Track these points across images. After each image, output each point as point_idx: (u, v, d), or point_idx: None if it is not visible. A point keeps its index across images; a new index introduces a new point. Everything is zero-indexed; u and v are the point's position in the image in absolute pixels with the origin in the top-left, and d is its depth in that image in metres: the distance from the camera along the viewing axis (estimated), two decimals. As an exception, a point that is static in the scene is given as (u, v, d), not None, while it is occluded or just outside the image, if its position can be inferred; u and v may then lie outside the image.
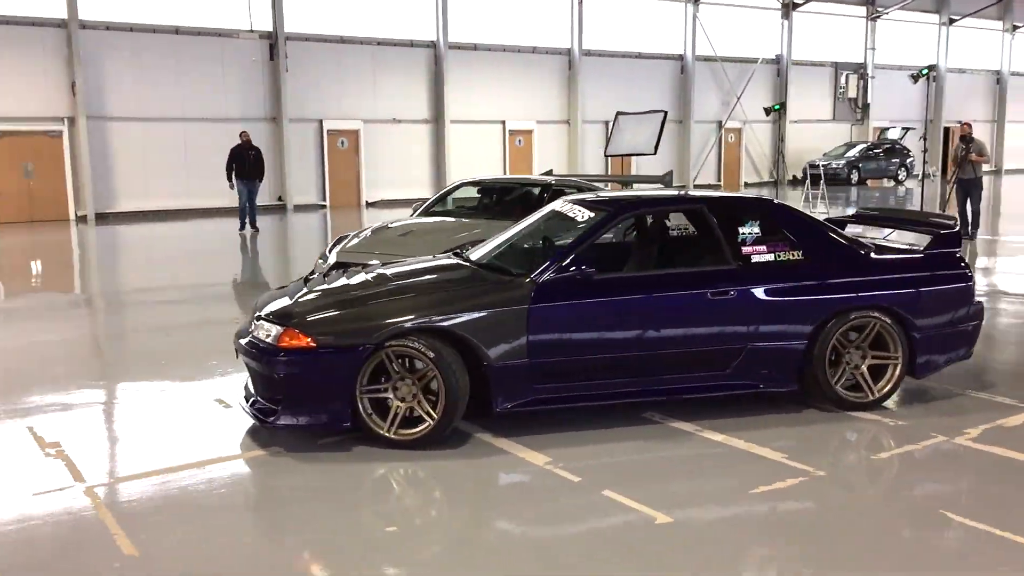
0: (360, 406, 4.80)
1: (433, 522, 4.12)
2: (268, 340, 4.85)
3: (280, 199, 24.50)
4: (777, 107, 21.18)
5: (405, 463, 4.66)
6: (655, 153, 15.59)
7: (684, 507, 4.08)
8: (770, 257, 5.46)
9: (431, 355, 4.74)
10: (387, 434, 4.81)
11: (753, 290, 5.30)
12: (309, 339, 4.73)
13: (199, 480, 4.47)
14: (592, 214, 5.48)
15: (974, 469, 4.59)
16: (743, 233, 5.51)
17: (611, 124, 16.33)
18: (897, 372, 5.58)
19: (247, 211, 18.82)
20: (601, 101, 29.34)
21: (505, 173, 28.14)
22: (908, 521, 3.92)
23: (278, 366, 4.76)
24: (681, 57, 31.68)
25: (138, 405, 5.93)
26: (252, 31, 23.60)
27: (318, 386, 4.75)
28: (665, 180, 12.47)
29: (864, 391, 5.54)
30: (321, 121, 24.91)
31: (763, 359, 5.35)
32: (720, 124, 33.14)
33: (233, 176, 18.82)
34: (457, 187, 10.19)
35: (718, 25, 32.02)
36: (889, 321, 5.52)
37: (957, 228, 5.97)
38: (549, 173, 12.65)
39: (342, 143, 25.48)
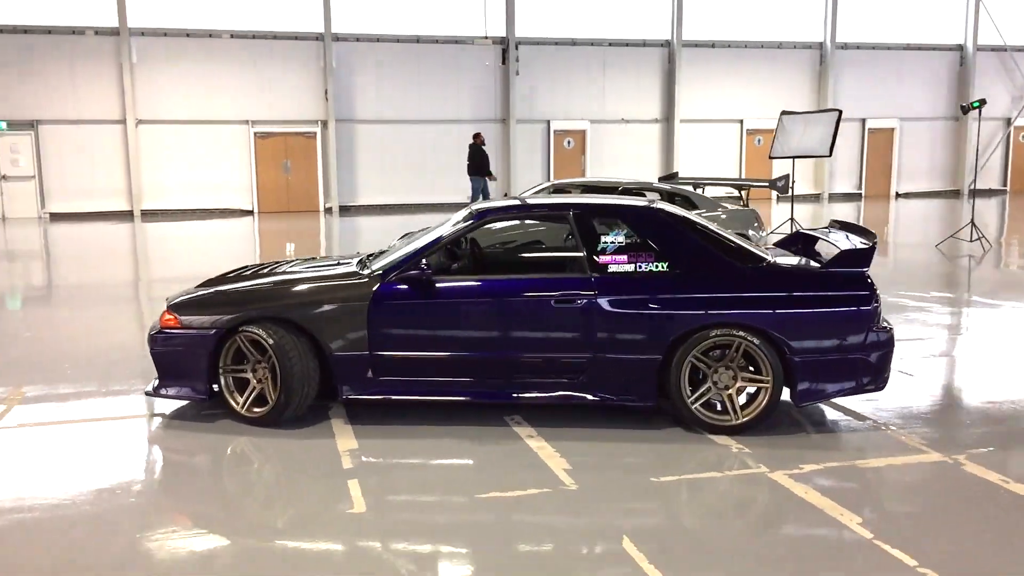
0: (223, 382, 5.47)
1: (202, 488, 4.65)
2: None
3: (506, 195, 25.80)
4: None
5: (246, 437, 5.26)
6: (830, 155, 14.59)
7: (391, 496, 4.29)
8: (629, 268, 5.32)
9: (271, 341, 5.29)
10: (240, 410, 5.44)
11: (602, 300, 5.21)
12: (176, 320, 5.50)
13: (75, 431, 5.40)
14: (461, 217, 5.68)
15: (732, 503, 4.25)
16: (605, 242, 5.42)
17: (776, 124, 15.49)
18: (766, 398, 5.20)
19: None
20: (857, 97, 27.55)
21: (741, 173, 27.39)
22: (587, 546, 3.81)
23: (154, 343, 5.58)
24: (960, 47, 28.72)
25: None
26: (486, 38, 25.06)
27: (181, 362, 5.48)
28: (776, 184, 11.74)
29: (729, 414, 5.24)
30: (548, 122, 25.84)
31: (614, 372, 5.25)
32: (1008, 121, 29.64)
33: (472, 172, 20.16)
34: (547, 189, 10.50)
35: (1007, 9, 28.64)
36: (757, 342, 5.15)
37: (870, 246, 5.39)
38: (673, 176, 12.45)
39: (568, 143, 26.24)
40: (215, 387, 5.49)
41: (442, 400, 5.41)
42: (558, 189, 10.54)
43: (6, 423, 5.59)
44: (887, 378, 5.31)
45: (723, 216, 10.23)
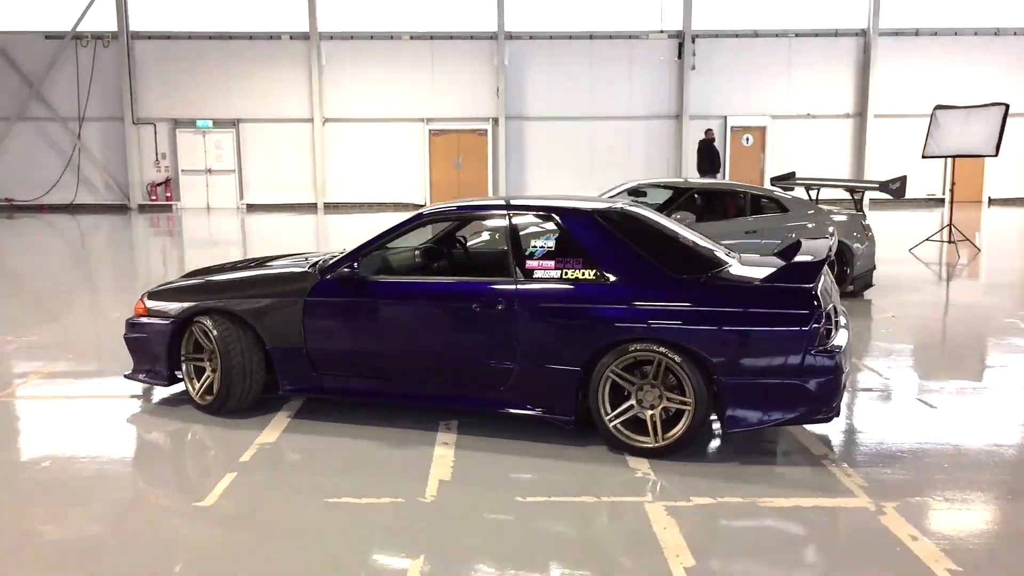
0: (184, 369, 5.78)
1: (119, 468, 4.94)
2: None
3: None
4: None
5: (188, 423, 5.52)
6: (996, 154, 12.99)
7: (247, 493, 4.35)
8: (556, 273, 5.04)
9: (215, 333, 5.51)
10: (194, 397, 5.72)
11: (522, 307, 4.99)
12: (144, 309, 5.85)
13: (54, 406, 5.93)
14: (408, 217, 5.60)
15: (575, 530, 3.92)
16: (534, 246, 5.16)
17: (929, 119, 13.95)
18: (688, 421, 4.75)
19: None
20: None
21: (945, 175, 25.06)
22: (378, 560, 3.67)
23: (126, 329, 5.98)
24: None
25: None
26: (661, 32, 24.52)
27: (147, 348, 5.84)
28: (889, 187, 10.47)
29: (650, 435, 4.84)
30: (725, 118, 24.87)
31: (537, 384, 5.01)
32: None
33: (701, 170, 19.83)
34: (624, 190, 10.16)
35: None
36: (679, 360, 4.71)
37: (819, 260, 4.76)
38: (790, 176, 11.57)
39: (747, 139, 25.14)
40: (178, 373, 5.80)
41: (376, 401, 5.42)
42: (634, 191, 10.13)
43: (22, 393, 6.22)
44: (835, 407, 4.69)
45: (809, 225, 9.42)
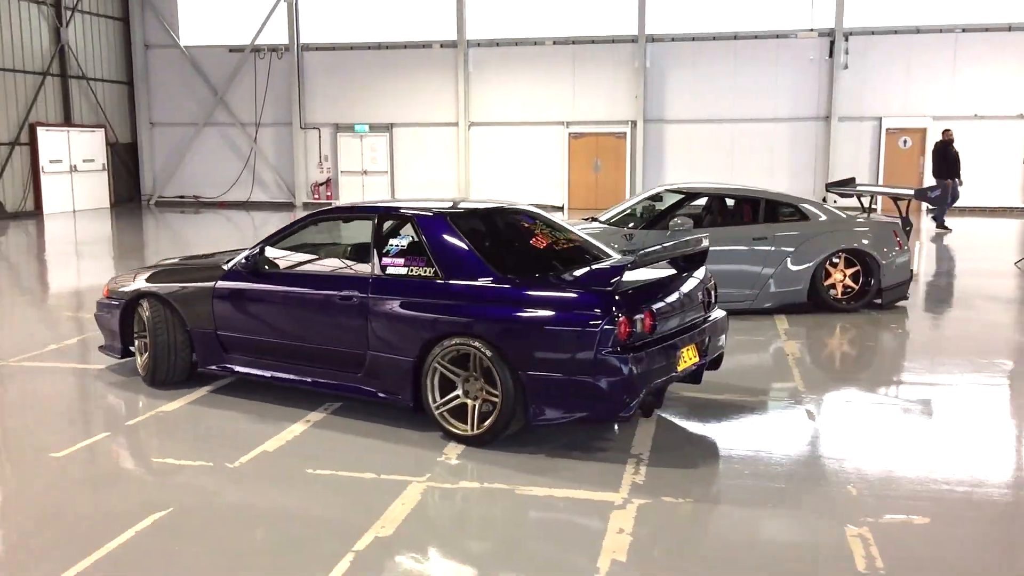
0: (136, 345, 6.67)
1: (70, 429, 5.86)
2: None
3: (823, 200, 24.12)
4: None
5: (124, 390, 6.40)
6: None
7: (93, 449, 5.11)
8: (403, 271, 5.46)
9: (147, 315, 6.36)
10: (138, 369, 6.60)
11: (373, 300, 5.44)
12: (107, 291, 6.80)
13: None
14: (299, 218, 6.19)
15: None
16: (390, 244, 5.60)
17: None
18: (497, 413, 5.01)
19: (943, 209, 18.56)
20: None
21: None
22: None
23: (96, 308, 6.96)
24: None
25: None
26: (811, 30, 23.61)
27: (106, 326, 6.79)
28: (927, 195, 9.65)
29: (468, 424, 5.15)
30: (880, 119, 23.56)
31: (384, 370, 5.45)
32: None
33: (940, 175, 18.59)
34: (656, 195, 10.19)
35: None
36: (490, 354, 4.99)
37: (622, 265, 4.86)
38: (849, 182, 11.06)
39: (904, 142, 23.67)
40: (131, 348, 6.72)
41: (269, 380, 6.07)
42: (655, 197, 10.09)
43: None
44: (629, 407, 4.82)
45: (828, 234, 9.09)
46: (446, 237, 5.43)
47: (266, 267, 6.04)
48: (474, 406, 5.16)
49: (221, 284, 6.12)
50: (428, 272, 5.39)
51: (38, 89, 23.67)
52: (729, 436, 5.44)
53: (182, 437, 5.46)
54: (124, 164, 26.98)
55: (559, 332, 4.85)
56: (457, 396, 5.22)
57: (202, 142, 27.22)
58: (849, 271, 9.30)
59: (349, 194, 26.57)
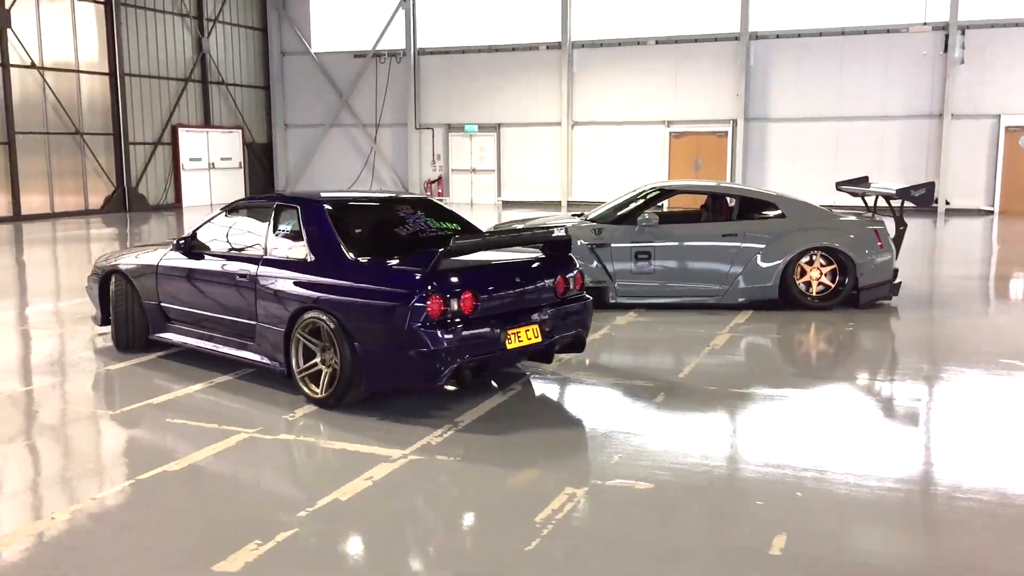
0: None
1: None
2: None
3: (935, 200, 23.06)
4: None
5: (101, 355, 7.53)
6: None
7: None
8: (283, 254, 6.22)
9: (112, 289, 7.46)
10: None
11: (260, 278, 6.24)
12: (95, 268, 7.94)
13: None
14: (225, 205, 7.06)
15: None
16: (280, 229, 6.38)
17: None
18: (337, 379, 5.69)
19: None
20: None
21: None
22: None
23: (86, 282, 8.13)
24: None
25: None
26: (924, 24, 22.64)
27: (91, 298, 7.94)
28: (911, 194, 9.21)
29: (319, 388, 5.86)
30: (999, 117, 22.28)
31: (267, 340, 6.25)
32: None
33: None
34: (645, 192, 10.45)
35: None
36: (333, 326, 5.68)
37: (439, 252, 5.40)
38: (861, 181, 10.85)
39: (1025, 141, 22.26)
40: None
41: (195, 348, 7.00)
42: (657, 192, 10.22)
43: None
44: (439, 374, 5.40)
45: (803, 231, 9.12)
46: (318, 224, 6.17)
47: (195, 248, 6.97)
48: (325, 372, 5.88)
49: (163, 262, 7.12)
50: (300, 255, 6.14)
51: (180, 94, 26.21)
52: (560, 412, 5.89)
53: (104, 388, 6.48)
54: (260, 162, 29.30)
55: (382, 308, 5.50)
56: (315, 363, 5.95)
57: (328, 142, 29.15)
58: (826, 269, 9.30)
59: (459, 192, 27.74)
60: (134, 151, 24.86)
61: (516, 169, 27.04)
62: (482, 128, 27.26)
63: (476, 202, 27.52)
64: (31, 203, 22.11)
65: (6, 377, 6.83)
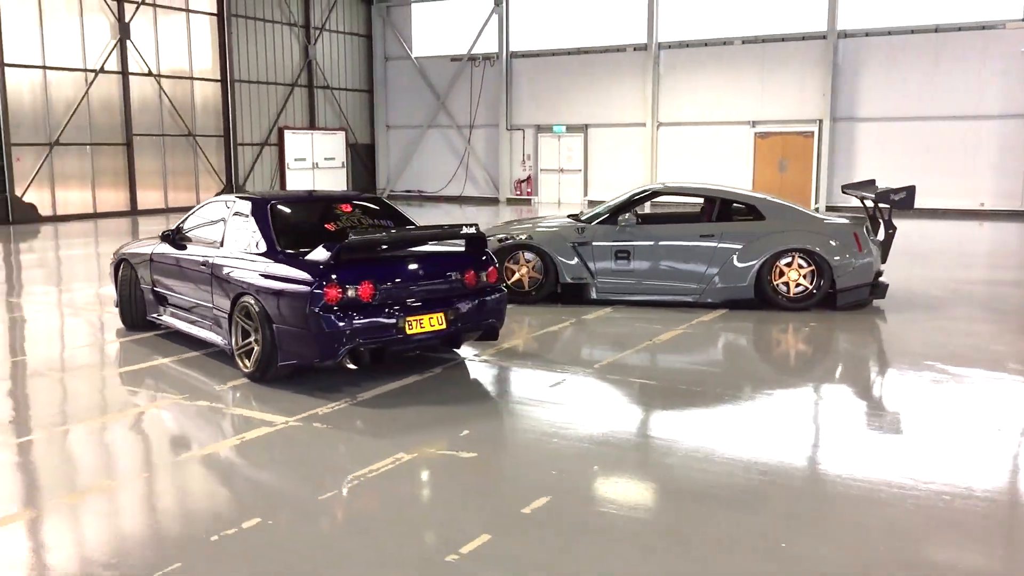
0: (129, 296, 8.91)
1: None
2: None
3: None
4: None
5: (107, 332, 8.62)
6: None
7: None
8: (233, 245, 7.06)
9: (121, 275, 8.54)
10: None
11: (214, 265, 7.11)
12: (114, 255, 9.05)
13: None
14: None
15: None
16: (232, 223, 7.21)
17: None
18: (258, 356, 6.49)
19: None
20: None
21: None
22: None
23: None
24: None
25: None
26: (1022, 20, 21.61)
27: (115, 283, 9.06)
28: (890, 197, 8.98)
29: (250, 365, 6.67)
30: (1105, 115, 21.02)
31: (218, 321, 7.13)
32: None
33: None
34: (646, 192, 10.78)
35: None
36: (257, 309, 6.46)
37: (337, 246, 6.08)
38: (867, 184, 10.77)
39: None
40: (125, 298, 8.99)
41: (176, 330, 7.98)
42: (656, 193, 10.52)
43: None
44: (335, 353, 6.12)
45: (784, 232, 9.30)
46: (258, 219, 7.00)
47: (179, 239, 7.94)
48: (256, 350, 6.69)
49: (154, 251, 8.14)
50: (243, 246, 6.98)
51: (287, 98, 27.99)
52: (455, 392, 6.46)
53: (96, 361, 7.54)
54: (362, 162, 30.85)
55: (290, 294, 6.26)
56: (249, 342, 6.77)
57: (426, 142, 30.37)
58: (804, 271, 9.43)
59: (547, 191, 28.36)
60: (242, 151, 26.77)
61: (602, 169, 27.42)
62: (570, 129, 27.78)
63: (563, 201, 28.05)
64: (147, 199, 24.23)
65: (38, 345, 8.03)
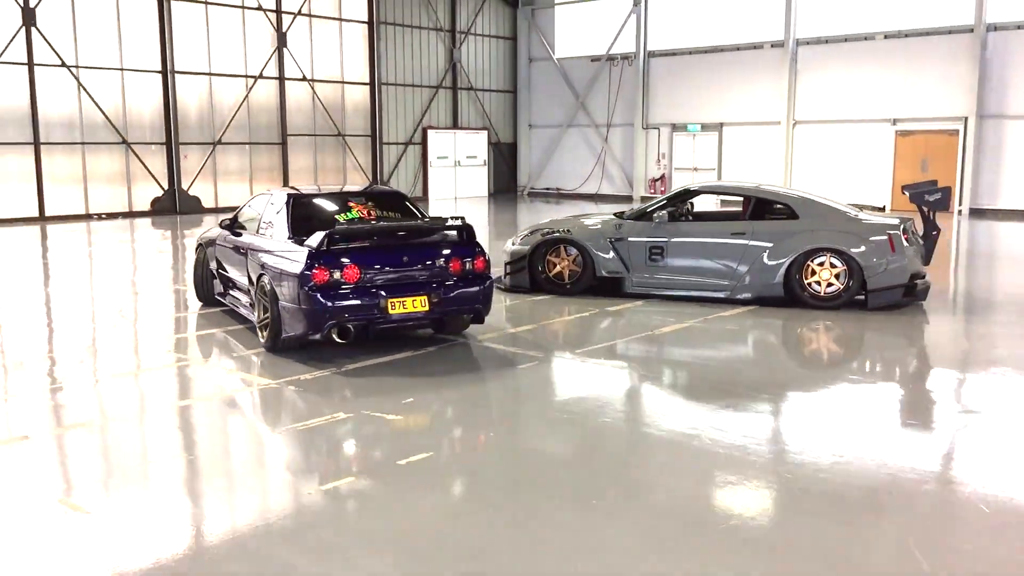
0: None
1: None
2: None
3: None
4: None
5: (178, 306, 9.91)
6: None
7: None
8: (264, 232, 8.06)
9: (196, 257, 9.80)
10: (206, 291, 10.09)
11: (250, 250, 8.14)
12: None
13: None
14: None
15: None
16: (267, 213, 8.22)
17: None
18: (270, 329, 7.45)
19: None
20: None
21: None
22: None
23: None
24: None
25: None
26: None
27: (199, 263, 10.38)
28: (923, 198, 8.50)
29: (266, 337, 7.66)
30: None
31: (251, 299, 8.19)
32: None
33: None
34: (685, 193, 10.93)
35: None
36: (269, 288, 7.44)
37: (325, 235, 6.89)
38: (931, 184, 10.45)
39: None
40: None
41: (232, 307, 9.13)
42: (690, 192, 10.69)
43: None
44: (322, 327, 7.01)
45: (815, 231, 9.36)
46: (283, 209, 7.99)
47: (235, 227, 9.08)
48: (271, 325, 7.68)
49: (218, 237, 9.33)
50: (269, 233, 8.00)
51: (431, 99, 29.50)
52: (433, 369, 7.15)
53: (161, 329, 8.82)
54: (504, 160, 31.98)
55: (288, 274, 7.19)
56: (267, 317, 7.77)
57: (566, 141, 31.10)
58: (836, 271, 9.44)
59: (681, 190, 28.34)
60: (387, 150, 28.51)
61: (737, 168, 27.14)
62: (704, 128, 27.67)
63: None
64: (298, 193, 26.32)
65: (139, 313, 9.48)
